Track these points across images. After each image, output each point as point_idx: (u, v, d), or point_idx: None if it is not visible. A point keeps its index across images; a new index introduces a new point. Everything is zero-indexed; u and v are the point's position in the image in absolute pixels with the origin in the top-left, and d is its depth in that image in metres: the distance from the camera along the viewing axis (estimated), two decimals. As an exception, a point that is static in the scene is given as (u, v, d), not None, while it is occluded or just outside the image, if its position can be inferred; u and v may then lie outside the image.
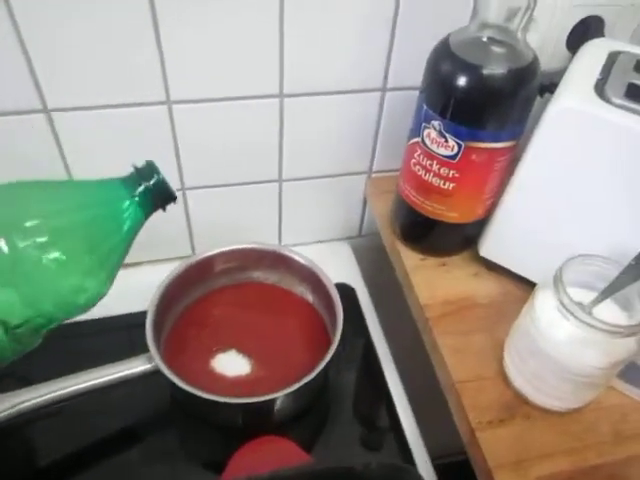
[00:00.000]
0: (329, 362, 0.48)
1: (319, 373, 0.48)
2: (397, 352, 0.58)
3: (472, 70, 0.42)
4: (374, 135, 0.57)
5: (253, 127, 0.53)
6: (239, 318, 0.57)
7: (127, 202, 0.32)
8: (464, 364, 0.45)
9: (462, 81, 0.42)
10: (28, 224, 0.28)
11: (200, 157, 0.55)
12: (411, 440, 0.52)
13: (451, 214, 0.49)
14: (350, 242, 0.67)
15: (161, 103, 0.49)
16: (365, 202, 0.64)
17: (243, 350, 0.54)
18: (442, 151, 0.45)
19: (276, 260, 0.58)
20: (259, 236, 0.59)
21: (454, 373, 0.45)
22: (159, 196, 0.33)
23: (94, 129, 0.50)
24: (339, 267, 0.64)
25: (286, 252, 0.57)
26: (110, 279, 0.34)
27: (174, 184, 0.55)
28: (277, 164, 0.57)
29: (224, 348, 0.54)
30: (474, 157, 0.44)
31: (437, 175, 0.47)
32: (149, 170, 0.32)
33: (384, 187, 0.60)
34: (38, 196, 0.31)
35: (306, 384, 0.47)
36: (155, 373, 0.48)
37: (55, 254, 0.28)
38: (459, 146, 0.44)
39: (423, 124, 0.45)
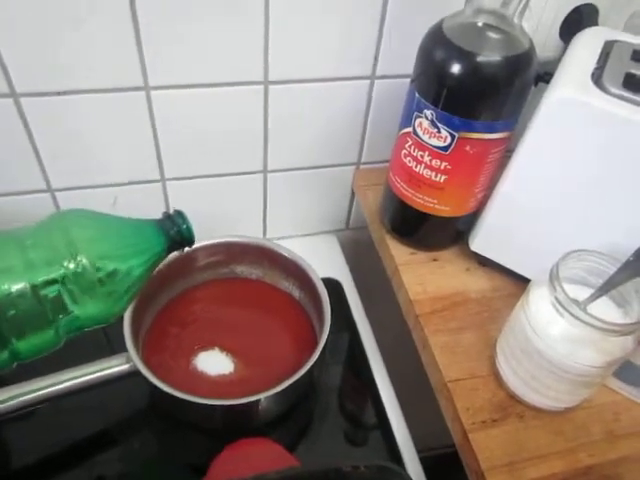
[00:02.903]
0: (315, 362, 0.47)
1: (305, 373, 0.46)
2: (384, 347, 0.57)
3: (467, 57, 0.40)
4: (362, 125, 0.55)
5: (236, 116, 0.51)
6: (222, 315, 0.55)
7: (162, 248, 0.35)
8: (455, 363, 0.44)
9: (456, 68, 0.40)
10: (99, 259, 0.31)
11: (181, 147, 0.52)
12: (399, 437, 0.50)
13: (442, 207, 0.47)
14: (337, 235, 0.66)
15: (138, 89, 0.47)
16: (353, 194, 0.62)
17: (226, 348, 0.52)
18: (434, 142, 0.43)
19: (260, 254, 0.56)
20: (243, 229, 0.57)
21: (445, 372, 0.44)
22: (184, 242, 0.36)
23: (68, 116, 0.47)
24: (325, 261, 0.62)
25: (271, 246, 0.55)
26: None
27: (153, 175, 0.54)
28: (262, 155, 0.55)
29: (206, 346, 0.52)
30: (467, 148, 0.43)
31: (428, 167, 0.45)
32: (180, 219, 0.35)
33: (373, 179, 0.58)
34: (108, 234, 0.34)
35: (291, 384, 0.45)
36: (134, 373, 0.45)
37: (107, 289, 0.31)
38: (452, 137, 0.42)
39: (415, 114, 0.44)
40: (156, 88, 0.47)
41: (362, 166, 0.59)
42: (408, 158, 0.46)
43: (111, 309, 0.33)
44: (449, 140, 0.43)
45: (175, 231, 0.35)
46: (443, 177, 0.45)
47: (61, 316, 0.30)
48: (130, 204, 0.54)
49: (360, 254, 0.65)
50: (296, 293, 0.56)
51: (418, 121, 0.44)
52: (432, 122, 0.42)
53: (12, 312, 0.28)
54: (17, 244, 0.30)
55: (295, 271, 0.54)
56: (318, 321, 0.54)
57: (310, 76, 0.50)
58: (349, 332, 0.58)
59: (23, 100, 0.45)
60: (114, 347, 0.47)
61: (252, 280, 0.58)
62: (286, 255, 0.54)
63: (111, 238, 0.33)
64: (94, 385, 0.45)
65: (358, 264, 0.64)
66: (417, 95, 0.43)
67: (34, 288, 0.29)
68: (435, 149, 0.44)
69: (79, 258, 0.30)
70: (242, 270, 0.57)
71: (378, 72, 0.51)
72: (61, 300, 0.30)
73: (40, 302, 0.29)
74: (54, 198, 0.52)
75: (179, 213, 0.36)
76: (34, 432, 0.48)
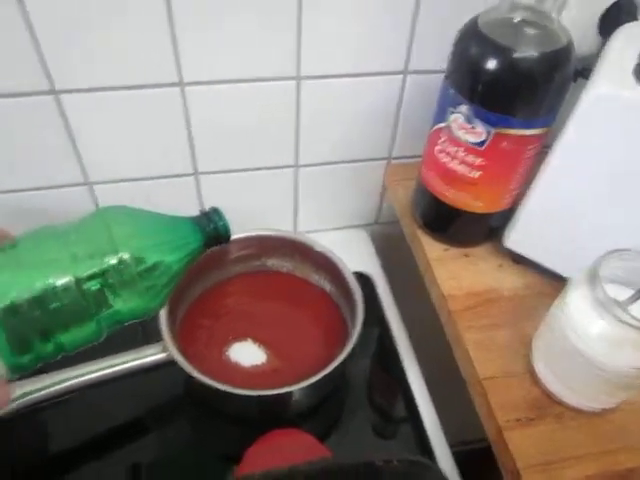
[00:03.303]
0: (347, 355, 0.47)
1: (337, 366, 0.46)
2: (413, 341, 0.57)
3: (504, 52, 0.39)
4: (394, 120, 0.55)
5: (270, 111, 0.51)
6: (254, 307, 0.56)
7: (199, 244, 0.35)
8: (490, 360, 0.44)
9: (493, 64, 0.39)
10: (144, 251, 0.32)
11: (214, 141, 0.53)
12: (430, 431, 0.51)
13: (476, 203, 0.47)
14: (367, 229, 0.66)
15: (173, 85, 0.47)
16: (384, 189, 0.62)
17: (259, 340, 0.53)
18: (469, 138, 0.43)
19: (292, 248, 0.56)
20: (274, 223, 0.58)
21: (479, 369, 0.43)
22: (220, 239, 0.36)
23: (104, 112, 0.48)
24: (356, 255, 0.62)
25: (303, 239, 0.55)
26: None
27: (186, 169, 0.54)
28: (294, 149, 0.55)
29: (240, 337, 0.53)
30: (504, 144, 0.42)
31: (463, 162, 0.45)
32: (217, 216, 0.36)
33: (404, 174, 0.58)
34: (151, 227, 0.34)
35: (324, 377, 0.46)
36: (169, 363, 0.47)
37: (146, 284, 0.32)
38: (488, 133, 0.42)
39: (449, 109, 0.43)
40: (191, 84, 0.48)
41: (393, 161, 0.59)
42: (442, 154, 0.46)
43: (150, 303, 0.33)
44: (485, 136, 0.42)
45: (212, 228, 0.35)
46: (478, 173, 0.45)
47: (103, 310, 0.31)
48: (164, 198, 0.55)
49: (390, 249, 0.65)
50: (327, 287, 0.57)
51: (453, 117, 0.43)
52: (468, 118, 0.42)
53: (56, 305, 0.29)
54: (62, 239, 0.31)
55: (326, 265, 0.55)
56: (349, 315, 0.54)
57: (342, 71, 0.50)
58: (380, 326, 0.58)
59: (62, 97, 0.46)
60: (147, 337, 0.48)
61: (283, 273, 0.58)
62: (318, 249, 0.54)
63: (150, 234, 0.33)
64: (130, 373, 0.46)
65: (388, 259, 0.64)
66: (452, 91, 0.42)
67: (78, 282, 0.30)
68: (470, 145, 0.43)
69: (120, 253, 0.31)
70: (273, 263, 0.58)
71: (410, 67, 0.51)
72: (103, 294, 0.31)
73: (83, 296, 0.30)
74: (92, 191, 0.54)
75: (215, 210, 0.36)
76: (72, 418, 0.50)
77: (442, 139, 0.45)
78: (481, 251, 0.52)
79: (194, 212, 0.58)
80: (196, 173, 0.55)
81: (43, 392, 0.44)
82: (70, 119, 0.48)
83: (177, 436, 0.51)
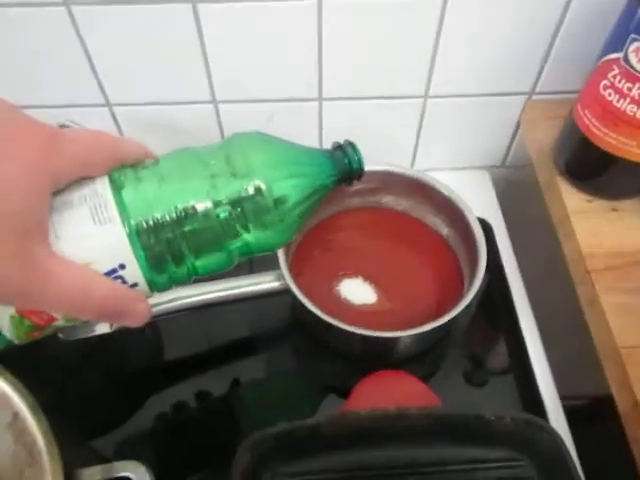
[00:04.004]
0: (464, 308, 0.44)
1: (452, 318, 0.44)
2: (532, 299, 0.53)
3: None
4: (547, 47, 0.48)
5: (408, 33, 0.46)
6: (366, 244, 0.54)
7: (333, 179, 0.33)
8: (632, 327, 0.40)
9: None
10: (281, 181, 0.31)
11: (343, 65, 0.49)
12: (543, 388, 0.48)
13: (639, 151, 0.41)
14: (490, 171, 0.60)
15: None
16: (517, 128, 0.56)
17: (370, 279, 0.51)
18: (652, 72, 0.36)
19: (412, 186, 0.53)
20: (391, 156, 0.54)
21: (618, 336, 0.39)
22: (353, 175, 0.34)
23: (237, 25, 0.45)
24: (475, 199, 0.57)
25: (426, 179, 0.52)
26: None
27: (311, 93, 0.52)
28: (426, 78, 0.50)
29: (350, 274, 0.51)
30: (695, 82, 0.36)
31: (636, 102, 0.38)
32: (352, 150, 0.33)
33: (547, 112, 0.51)
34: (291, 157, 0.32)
35: (437, 327, 0.43)
36: (284, 291, 0.46)
37: (279, 216, 0.30)
38: (677, 67, 0.35)
39: (632, 36, 0.37)
40: (329, -2, 0.44)
41: (535, 96, 0.53)
42: (609, 90, 0.40)
43: (281, 236, 0.32)
44: (672, 71, 0.36)
45: (346, 163, 0.33)
46: (652, 115, 0.38)
47: (235, 238, 0.30)
48: (285, 121, 0.53)
49: (514, 196, 0.60)
50: (444, 230, 0.53)
51: (634, 45, 0.37)
52: (656, 47, 0.35)
53: (193, 227, 0.28)
54: (202, 162, 0.30)
55: (448, 208, 0.51)
56: (466, 263, 0.51)
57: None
58: (496, 278, 0.54)
59: (199, 6, 0.44)
60: (261, 262, 0.48)
61: (397, 211, 0.55)
62: (442, 191, 0.51)
63: (288, 165, 0.32)
64: (244, 298, 0.47)
65: (510, 205, 0.59)
66: (641, 13, 0.36)
67: (214, 207, 0.29)
68: (651, 81, 0.37)
69: (257, 182, 0.29)
70: (389, 200, 0.55)
71: (585, -20, 0.43)
72: (236, 222, 0.30)
73: (218, 221, 0.29)
74: (217, 110, 0.52)
75: (350, 144, 0.34)
76: (185, 332, 0.52)
77: (613, 72, 0.39)
78: (632, 205, 0.46)
79: (312, 140, 0.57)
80: (320, 98, 0.52)
81: (161, 307, 0.45)
82: (205, 34, 0.46)
83: (279, 361, 0.51)
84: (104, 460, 0.43)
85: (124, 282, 0.27)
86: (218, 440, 0.46)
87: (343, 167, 0.33)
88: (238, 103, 0.52)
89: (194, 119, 0.53)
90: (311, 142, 0.57)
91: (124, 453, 0.45)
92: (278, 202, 0.30)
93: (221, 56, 0.48)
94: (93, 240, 0.26)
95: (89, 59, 0.48)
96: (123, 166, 0.28)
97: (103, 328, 0.43)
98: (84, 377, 0.51)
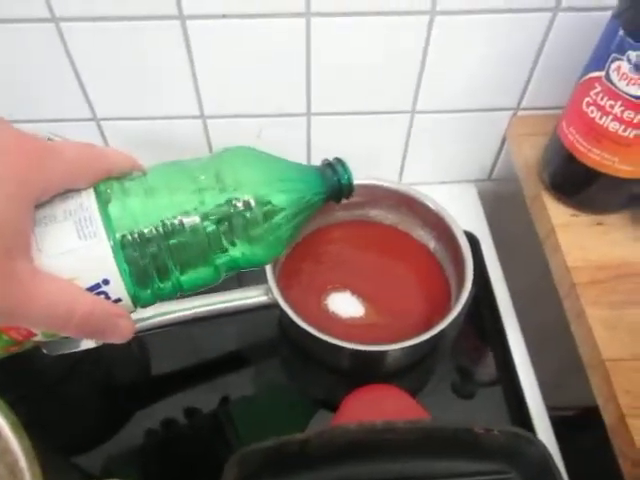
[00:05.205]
0: (452, 320, 0.44)
1: (440, 331, 0.44)
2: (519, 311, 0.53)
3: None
4: (531, 65, 0.49)
5: (395, 49, 0.47)
6: (354, 258, 0.54)
7: (322, 197, 0.33)
8: (616, 340, 0.40)
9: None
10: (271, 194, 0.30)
11: (331, 81, 0.49)
12: (530, 400, 0.48)
13: (623, 167, 0.42)
14: (477, 185, 0.61)
15: (299, 15, 0.44)
16: (503, 143, 0.57)
17: (358, 292, 0.51)
18: (633, 90, 0.37)
19: (399, 200, 0.53)
20: (378, 171, 0.54)
21: (604, 349, 0.40)
22: (342, 193, 0.34)
23: (227, 41, 0.46)
24: (462, 212, 0.58)
25: (413, 193, 0.52)
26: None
27: (300, 108, 0.52)
28: (413, 93, 0.51)
29: (338, 288, 0.51)
30: (675, 100, 0.36)
31: (617, 119, 0.39)
32: (342, 168, 0.33)
33: (532, 128, 0.52)
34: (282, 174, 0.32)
35: (425, 340, 0.44)
36: (270, 306, 0.46)
37: (267, 231, 0.30)
38: (657, 86, 0.36)
39: (613, 55, 0.37)
40: (316, 15, 0.44)
41: (520, 112, 0.53)
42: (592, 107, 0.41)
43: (269, 252, 0.32)
44: (652, 89, 0.36)
45: (335, 180, 0.33)
46: (634, 132, 0.39)
47: (221, 254, 0.30)
48: (273, 137, 0.53)
49: (500, 209, 0.61)
50: (431, 244, 0.54)
51: (616, 64, 0.37)
52: (636, 66, 0.36)
53: (178, 240, 0.28)
54: (190, 175, 0.30)
55: (435, 222, 0.52)
56: (454, 275, 0.51)
57: (483, 6, 0.44)
58: (483, 290, 0.55)
59: (188, 23, 0.44)
60: (247, 276, 0.48)
61: (385, 225, 0.56)
62: (429, 205, 0.51)
63: (278, 181, 0.31)
64: (232, 312, 0.47)
65: (496, 219, 0.59)
66: (621, 33, 0.36)
67: (202, 219, 0.29)
68: (632, 98, 0.37)
69: (246, 197, 0.29)
70: (376, 214, 0.55)
71: (564, 3, 0.44)
72: (223, 237, 0.30)
73: (205, 236, 0.29)
74: (205, 125, 0.53)
75: (340, 161, 0.34)
76: (172, 347, 0.51)
77: (595, 90, 0.40)
78: (616, 220, 0.46)
79: (300, 154, 0.57)
80: (309, 113, 0.52)
81: (148, 322, 0.45)
82: (193, 48, 0.46)
83: (268, 377, 0.51)
84: (90, 478, 0.42)
85: (107, 297, 0.27)
86: (206, 457, 0.46)
87: (333, 185, 0.33)
88: (226, 118, 0.52)
89: (182, 134, 0.53)
90: (299, 156, 0.57)
91: (111, 471, 0.44)
92: (267, 218, 0.30)
93: (209, 72, 0.48)
94: (77, 255, 0.26)
95: (77, 74, 0.48)
96: (109, 178, 0.28)
97: (88, 343, 0.42)
98: (68, 393, 0.50)
